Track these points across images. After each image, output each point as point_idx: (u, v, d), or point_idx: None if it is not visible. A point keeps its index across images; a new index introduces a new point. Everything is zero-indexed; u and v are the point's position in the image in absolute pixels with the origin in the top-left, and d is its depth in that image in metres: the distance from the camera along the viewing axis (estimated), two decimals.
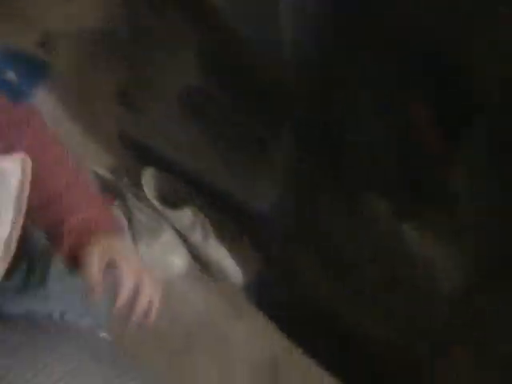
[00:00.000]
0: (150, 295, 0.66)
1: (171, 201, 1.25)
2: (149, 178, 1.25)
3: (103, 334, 0.76)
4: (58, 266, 0.73)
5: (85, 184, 0.76)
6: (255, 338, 1.18)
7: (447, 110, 0.68)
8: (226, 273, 1.22)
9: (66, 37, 1.46)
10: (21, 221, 0.66)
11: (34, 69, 1.42)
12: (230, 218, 1.24)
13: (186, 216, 1.22)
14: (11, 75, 1.36)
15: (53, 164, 0.72)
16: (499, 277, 0.74)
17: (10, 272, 0.69)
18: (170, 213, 1.23)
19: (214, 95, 1.33)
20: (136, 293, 0.64)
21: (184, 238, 1.24)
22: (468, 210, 0.72)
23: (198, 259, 1.25)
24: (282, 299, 1.18)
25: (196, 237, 1.22)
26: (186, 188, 1.25)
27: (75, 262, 0.67)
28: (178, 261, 1.22)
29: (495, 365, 0.84)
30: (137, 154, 1.36)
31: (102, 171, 1.26)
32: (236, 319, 1.20)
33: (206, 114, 1.33)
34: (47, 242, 0.73)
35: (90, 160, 1.31)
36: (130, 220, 1.19)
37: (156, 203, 1.24)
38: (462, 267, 0.78)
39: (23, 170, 0.65)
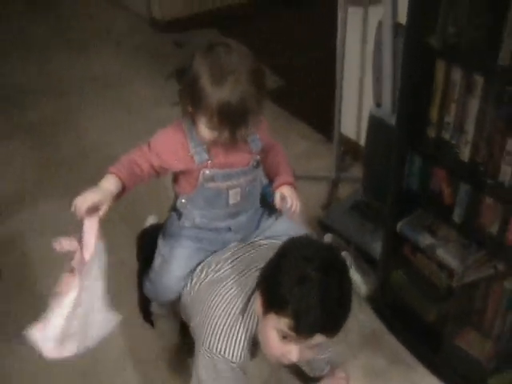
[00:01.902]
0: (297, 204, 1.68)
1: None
2: (327, 238, 2.45)
3: None
4: None
5: (288, 164, 1.73)
6: (365, 319, 2.18)
7: None
8: (358, 287, 2.28)
9: None
10: None
11: None
12: (362, 256, 2.34)
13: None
14: None
15: (280, 152, 1.72)
16: None
17: None
18: None
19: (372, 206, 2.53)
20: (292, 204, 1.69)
21: None
22: None
23: None
24: (386, 304, 2.19)
25: None
26: (344, 243, 2.41)
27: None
28: None
29: None
30: (323, 230, 2.58)
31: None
32: (358, 310, 2.23)
33: (365, 214, 2.52)
34: None
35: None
36: None
37: None
38: None
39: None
